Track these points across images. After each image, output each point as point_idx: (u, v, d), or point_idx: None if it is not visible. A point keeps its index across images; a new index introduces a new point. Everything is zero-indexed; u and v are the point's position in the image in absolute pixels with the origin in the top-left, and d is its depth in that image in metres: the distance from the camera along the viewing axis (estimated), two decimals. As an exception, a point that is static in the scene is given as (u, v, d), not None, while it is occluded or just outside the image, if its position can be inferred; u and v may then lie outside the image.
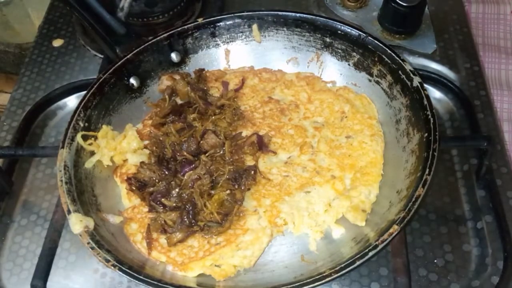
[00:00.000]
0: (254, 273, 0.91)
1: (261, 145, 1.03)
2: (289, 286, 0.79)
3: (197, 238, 0.93)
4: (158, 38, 1.13)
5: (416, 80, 0.99)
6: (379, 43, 1.06)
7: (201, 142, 1.01)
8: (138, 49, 1.11)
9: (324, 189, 0.98)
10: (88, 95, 1.03)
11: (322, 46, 1.14)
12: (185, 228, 0.92)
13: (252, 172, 0.98)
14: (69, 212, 0.88)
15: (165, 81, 1.13)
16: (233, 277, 0.89)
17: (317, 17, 1.13)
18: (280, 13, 1.14)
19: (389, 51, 1.05)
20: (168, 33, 1.13)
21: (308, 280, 0.79)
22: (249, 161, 1.02)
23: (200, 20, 1.16)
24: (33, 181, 1.12)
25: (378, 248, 0.80)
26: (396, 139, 1.02)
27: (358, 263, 0.79)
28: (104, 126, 1.04)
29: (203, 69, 1.17)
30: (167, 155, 1.02)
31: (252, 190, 0.98)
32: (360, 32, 1.09)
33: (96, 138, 1.03)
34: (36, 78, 1.31)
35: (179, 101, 1.12)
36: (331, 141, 1.05)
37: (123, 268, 0.82)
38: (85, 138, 1.00)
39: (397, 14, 1.24)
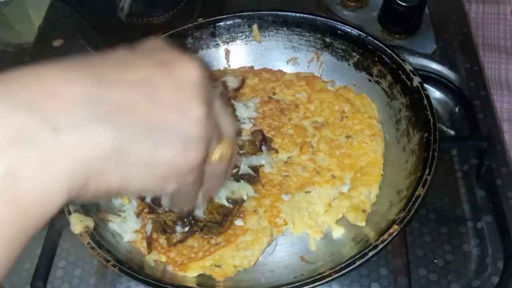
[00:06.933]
0: (254, 273, 0.91)
1: (262, 143, 1.03)
2: (289, 286, 0.78)
3: (197, 238, 0.93)
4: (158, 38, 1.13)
5: (416, 80, 0.99)
6: (379, 43, 1.06)
7: (201, 142, 1.01)
8: (138, 49, 1.10)
9: (324, 189, 0.98)
10: (88, 95, 1.03)
11: (322, 46, 1.14)
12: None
13: (253, 172, 0.98)
14: (69, 212, 0.88)
15: (165, 81, 1.13)
16: (233, 277, 0.89)
17: (317, 17, 1.13)
18: (280, 13, 1.14)
19: (389, 51, 1.05)
20: (168, 33, 1.13)
21: (308, 280, 0.79)
22: (249, 161, 1.02)
23: (200, 20, 1.16)
24: (33, 181, 1.12)
25: (378, 248, 0.80)
26: (396, 139, 1.02)
27: (358, 263, 0.79)
28: (104, 126, 1.04)
29: (203, 69, 1.17)
30: (167, 155, 1.01)
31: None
32: (360, 32, 1.09)
33: (96, 138, 1.03)
34: (36, 78, 1.30)
35: (179, 101, 1.11)
36: (331, 141, 1.05)
37: (123, 268, 0.82)
38: (85, 138, 1.00)
39: (397, 14, 1.24)
